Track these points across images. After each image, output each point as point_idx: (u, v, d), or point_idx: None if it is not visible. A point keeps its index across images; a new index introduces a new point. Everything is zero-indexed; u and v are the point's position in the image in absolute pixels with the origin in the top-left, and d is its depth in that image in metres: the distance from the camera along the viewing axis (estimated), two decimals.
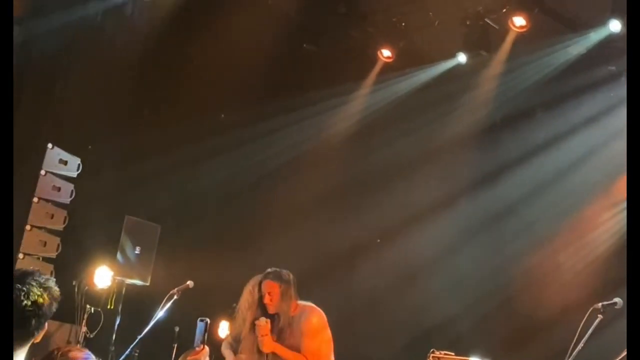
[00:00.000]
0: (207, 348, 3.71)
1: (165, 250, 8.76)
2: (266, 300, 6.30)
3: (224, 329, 8.52)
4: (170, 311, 6.43)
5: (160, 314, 6.32)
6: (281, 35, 9.12)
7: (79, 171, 8.00)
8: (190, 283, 6.64)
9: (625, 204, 9.52)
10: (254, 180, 9.94)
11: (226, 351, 7.03)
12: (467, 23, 8.90)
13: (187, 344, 8.14)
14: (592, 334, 5.88)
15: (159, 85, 9.33)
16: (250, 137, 9.72)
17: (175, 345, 7.89)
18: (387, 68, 9.71)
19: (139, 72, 9.11)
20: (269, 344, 6.18)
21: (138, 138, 9.20)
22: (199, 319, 4.87)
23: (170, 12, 8.80)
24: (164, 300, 6.41)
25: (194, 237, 9.54)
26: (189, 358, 3.72)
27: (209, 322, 4.09)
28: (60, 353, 3.64)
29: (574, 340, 5.62)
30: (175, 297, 6.47)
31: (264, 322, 6.18)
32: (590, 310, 5.75)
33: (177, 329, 7.90)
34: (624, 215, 9.44)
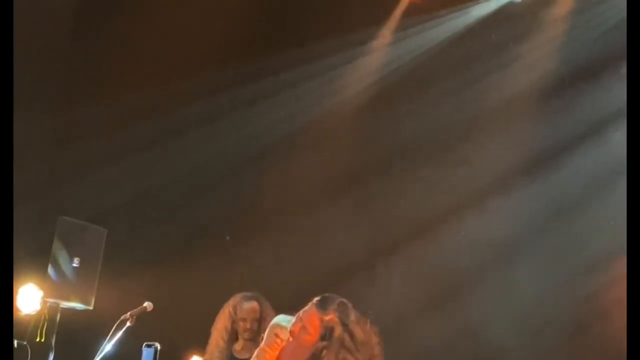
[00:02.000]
0: None
1: (114, 262, 8.72)
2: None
3: None
4: (122, 343, 6.43)
5: (107, 347, 6.33)
6: None
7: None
8: (148, 305, 6.67)
9: None
10: (232, 167, 9.96)
11: None
12: None
13: None
14: None
15: (100, 49, 9.43)
16: (227, 110, 9.83)
17: None
18: (414, 9, 9.69)
19: (73, 37, 9.39)
20: None
21: (75, 116, 9.30)
22: (145, 344, 4.79)
23: None
24: (113, 329, 6.40)
25: (153, 244, 9.57)
26: None
27: (158, 347, 3.96)
28: None
29: None
30: (128, 323, 6.48)
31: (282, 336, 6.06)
32: None
33: None
34: None
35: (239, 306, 7.41)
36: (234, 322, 7.39)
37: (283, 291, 8.20)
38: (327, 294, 6.35)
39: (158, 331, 7.76)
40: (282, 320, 6.66)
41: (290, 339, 6.24)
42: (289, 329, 6.40)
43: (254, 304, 7.35)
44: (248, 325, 7.33)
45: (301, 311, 6.33)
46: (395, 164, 9.75)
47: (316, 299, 6.32)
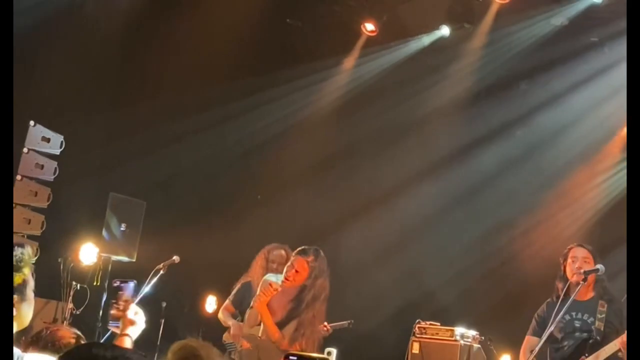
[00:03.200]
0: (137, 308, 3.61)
1: (151, 227, 8.77)
2: (289, 274, 6.28)
3: (211, 303, 8.55)
4: (157, 286, 6.52)
5: (146, 289, 6.36)
6: (265, 10, 9.06)
7: (62, 148, 8.00)
8: (176, 258, 6.72)
9: (609, 172, 9.76)
10: (240, 155, 9.96)
11: (229, 320, 7.10)
12: None
13: (173, 319, 8.24)
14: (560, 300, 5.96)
15: (141, 61, 9.28)
16: (236, 113, 9.71)
17: (163, 320, 7.94)
18: (371, 42, 9.67)
19: (121, 48, 9.08)
20: (261, 305, 6.19)
21: (122, 115, 9.18)
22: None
23: None
24: (150, 276, 6.48)
25: (180, 213, 9.58)
26: (112, 312, 3.63)
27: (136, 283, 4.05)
28: (49, 332, 3.62)
29: (542, 308, 5.70)
30: (161, 272, 6.55)
31: (275, 286, 6.18)
32: (557, 277, 5.85)
33: (164, 304, 7.95)
34: (608, 183, 9.62)
35: (271, 252, 7.35)
36: (267, 262, 7.29)
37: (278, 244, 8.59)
38: (304, 246, 6.64)
39: (184, 278, 7.91)
40: (271, 276, 6.89)
41: (284, 285, 6.51)
42: (280, 279, 6.66)
43: (281, 252, 7.29)
44: (275, 267, 7.18)
45: (289, 262, 6.58)
46: (357, 154, 9.89)
47: (298, 249, 6.59)
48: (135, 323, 3.64)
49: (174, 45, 9.20)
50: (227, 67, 9.42)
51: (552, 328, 5.67)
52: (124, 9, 8.74)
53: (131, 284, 3.84)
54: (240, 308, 7.11)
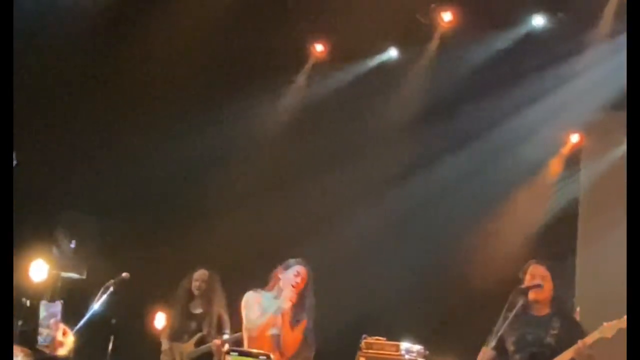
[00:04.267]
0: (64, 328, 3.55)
1: (102, 243, 8.70)
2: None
3: (160, 320, 8.48)
4: (107, 303, 6.40)
5: (95, 306, 6.27)
6: (220, 30, 9.09)
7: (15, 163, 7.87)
8: (126, 275, 6.61)
9: (552, 189, 10.01)
10: (191, 173, 9.89)
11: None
12: (398, 19, 9.02)
13: (124, 335, 8.15)
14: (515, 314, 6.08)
15: (94, 79, 9.24)
16: (187, 131, 9.68)
17: (112, 336, 7.87)
18: (321, 63, 9.81)
19: (77, 59, 9.03)
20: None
21: (73, 131, 9.12)
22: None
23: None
24: (100, 293, 6.35)
25: (132, 230, 9.46)
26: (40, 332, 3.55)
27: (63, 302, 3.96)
28: None
29: (499, 321, 5.80)
30: (111, 289, 6.42)
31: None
32: (513, 292, 5.94)
33: (113, 320, 7.88)
34: (551, 199, 9.96)
35: (196, 273, 7.61)
36: (190, 283, 7.56)
37: (228, 262, 8.45)
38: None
39: (135, 295, 7.61)
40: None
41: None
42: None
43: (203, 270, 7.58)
44: (198, 284, 7.50)
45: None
46: (307, 171, 9.70)
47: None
48: (63, 344, 3.60)
49: (130, 62, 9.14)
50: (181, 85, 9.41)
51: (507, 341, 5.90)
52: (84, 22, 8.66)
53: (58, 304, 3.75)
54: None
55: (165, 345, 7.57)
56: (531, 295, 5.94)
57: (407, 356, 7.48)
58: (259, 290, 6.52)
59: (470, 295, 8.64)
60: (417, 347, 7.64)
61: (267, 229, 9.64)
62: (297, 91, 10.07)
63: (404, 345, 7.60)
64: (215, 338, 7.39)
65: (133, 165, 9.40)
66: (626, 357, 5.05)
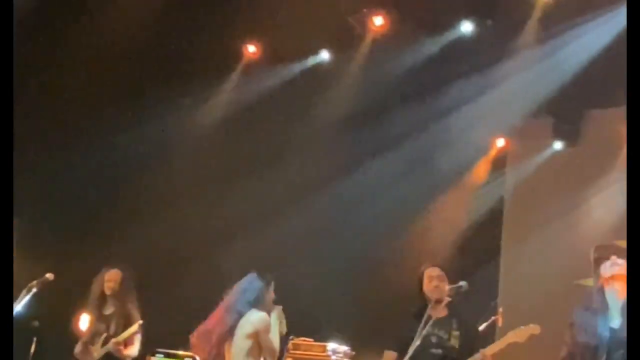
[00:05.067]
0: None
1: (25, 244, 8.29)
2: None
3: (84, 321, 8.29)
4: (29, 305, 6.26)
5: (17, 307, 6.12)
6: (156, 31, 8.96)
7: None
8: (49, 275, 6.45)
9: (477, 191, 10.18)
10: (121, 171, 9.73)
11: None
12: (330, 22, 9.01)
13: (47, 338, 7.93)
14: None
15: (32, 74, 8.96)
16: (119, 129, 9.54)
17: (35, 339, 7.68)
18: (253, 63, 9.76)
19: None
20: None
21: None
22: None
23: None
24: (22, 294, 6.22)
25: (59, 229, 9.29)
26: None
27: None
28: None
29: (422, 322, 5.82)
30: (34, 290, 6.29)
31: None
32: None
33: (36, 322, 7.68)
34: (476, 201, 10.14)
35: (105, 274, 7.33)
36: (101, 285, 7.27)
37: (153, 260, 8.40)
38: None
39: (58, 295, 7.40)
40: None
41: None
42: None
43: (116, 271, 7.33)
44: (110, 285, 7.25)
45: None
46: (236, 172, 9.72)
47: None
48: None
49: (62, 63, 8.97)
50: (113, 84, 9.24)
51: (417, 343, 5.72)
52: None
53: None
54: None
55: (77, 348, 7.42)
56: (434, 296, 5.99)
57: (333, 357, 7.60)
58: None
59: (397, 296, 8.65)
60: (343, 348, 7.75)
61: (197, 228, 9.55)
62: (229, 91, 9.98)
63: (331, 345, 7.71)
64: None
65: (64, 164, 9.23)
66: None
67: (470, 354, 5.77)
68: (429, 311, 5.86)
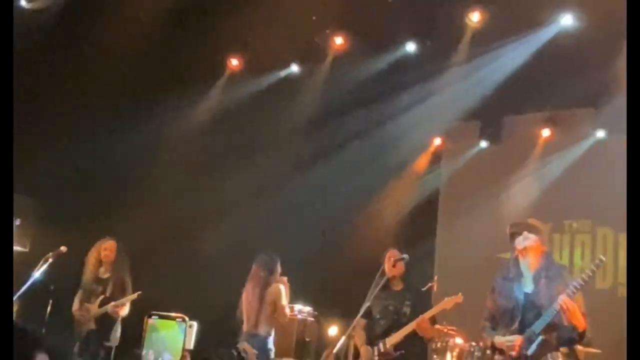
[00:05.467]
0: None
1: (42, 221, 8.38)
2: None
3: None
4: (46, 272, 6.23)
5: (36, 274, 6.12)
6: (154, 43, 8.69)
7: None
8: (63, 248, 6.39)
9: (418, 181, 10.26)
10: (122, 163, 9.51)
11: None
12: (300, 40, 8.96)
13: (60, 299, 7.78)
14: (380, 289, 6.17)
15: (42, 74, 8.79)
16: (123, 126, 9.33)
17: (51, 300, 7.57)
18: (236, 74, 9.64)
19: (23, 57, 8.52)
20: None
21: (19, 124, 8.56)
22: None
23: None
24: (40, 263, 6.21)
25: (69, 210, 9.06)
26: None
27: None
28: None
29: (370, 292, 5.85)
30: (50, 260, 6.26)
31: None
32: (380, 272, 6.01)
33: (52, 286, 7.56)
34: (417, 189, 10.17)
35: (102, 243, 7.42)
36: (99, 252, 7.35)
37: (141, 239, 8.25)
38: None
39: (71, 265, 7.37)
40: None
41: None
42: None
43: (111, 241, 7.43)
44: (106, 253, 7.34)
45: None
46: (220, 164, 9.62)
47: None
48: None
49: (71, 66, 8.77)
50: (114, 88, 9.03)
51: (374, 310, 6.17)
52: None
53: None
54: None
55: (75, 305, 7.37)
56: (389, 271, 6.07)
57: (299, 315, 7.64)
58: None
59: (350, 269, 8.69)
60: (307, 309, 7.78)
61: (184, 211, 9.42)
62: (215, 97, 9.81)
63: (297, 307, 7.74)
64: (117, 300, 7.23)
65: (73, 154, 9.02)
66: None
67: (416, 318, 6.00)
68: (387, 284, 6.03)
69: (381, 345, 6.05)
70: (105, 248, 7.38)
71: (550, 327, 4.64)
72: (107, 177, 9.42)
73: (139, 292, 7.33)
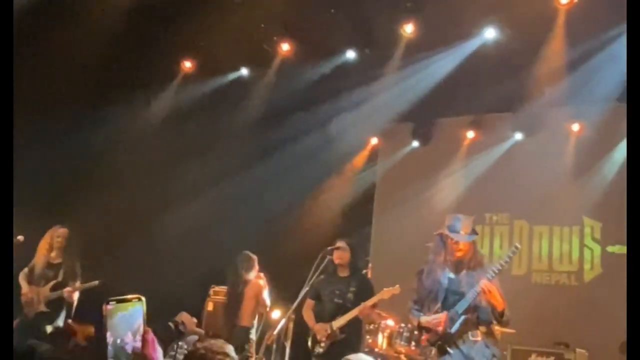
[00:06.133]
0: None
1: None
2: None
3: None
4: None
5: None
6: (111, 46, 8.38)
7: None
8: (20, 238, 6.30)
9: (355, 177, 10.27)
10: (85, 156, 9.22)
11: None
12: (249, 45, 8.77)
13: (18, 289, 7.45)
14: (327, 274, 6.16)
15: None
16: (82, 124, 9.10)
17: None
18: (189, 76, 9.40)
19: None
20: None
21: None
22: None
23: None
24: None
25: (28, 201, 8.51)
26: None
27: None
28: None
29: (309, 276, 5.81)
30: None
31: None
32: (321, 254, 5.97)
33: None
34: (354, 184, 10.19)
35: (55, 231, 7.20)
36: (51, 238, 7.12)
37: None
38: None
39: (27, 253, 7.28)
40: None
41: None
42: None
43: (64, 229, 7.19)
44: (59, 240, 7.12)
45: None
46: (172, 159, 9.41)
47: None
48: None
49: (28, 68, 7.98)
50: (71, 90, 8.69)
51: (322, 293, 6.25)
52: None
53: None
54: None
55: (25, 288, 7.09)
56: (336, 259, 6.07)
57: None
58: None
59: (294, 257, 8.63)
60: None
61: (143, 201, 9.16)
62: (170, 97, 9.57)
63: None
64: (68, 286, 7.00)
65: (31, 149, 8.34)
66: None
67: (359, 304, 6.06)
68: (332, 269, 6.04)
69: (328, 327, 6.00)
70: (58, 235, 7.18)
71: (472, 308, 4.69)
72: (66, 169, 9.04)
73: (100, 280, 7.08)
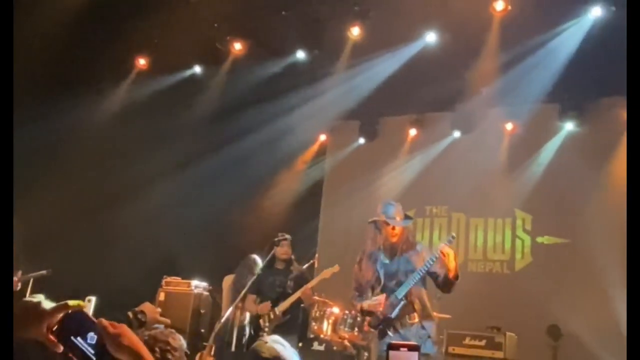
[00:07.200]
0: None
1: None
2: None
3: None
4: None
5: None
6: (66, 40, 8.07)
7: None
8: None
9: (304, 171, 10.22)
10: (41, 147, 8.57)
11: None
12: (203, 44, 8.61)
13: None
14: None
15: None
16: (36, 117, 8.28)
17: None
18: (143, 72, 9.15)
19: None
20: None
21: None
22: None
23: None
24: None
25: None
26: None
27: None
28: None
29: (261, 267, 5.74)
30: None
31: None
32: (270, 243, 5.93)
33: None
34: (303, 178, 10.15)
35: None
36: None
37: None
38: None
39: None
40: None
41: None
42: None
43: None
44: None
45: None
46: (126, 152, 9.10)
47: None
48: None
49: None
50: (31, 81, 8.03)
51: (263, 284, 6.19)
52: None
53: None
54: None
55: None
56: (281, 254, 6.12)
57: (195, 290, 7.43)
58: None
59: (242, 249, 8.53)
60: (203, 284, 7.59)
61: (98, 191, 8.89)
62: (124, 92, 9.31)
63: (194, 282, 7.52)
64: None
65: None
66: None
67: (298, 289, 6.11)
68: (270, 262, 6.02)
69: (271, 313, 5.99)
70: None
71: (410, 293, 4.72)
72: (27, 160, 8.70)
73: (49, 270, 6.81)
